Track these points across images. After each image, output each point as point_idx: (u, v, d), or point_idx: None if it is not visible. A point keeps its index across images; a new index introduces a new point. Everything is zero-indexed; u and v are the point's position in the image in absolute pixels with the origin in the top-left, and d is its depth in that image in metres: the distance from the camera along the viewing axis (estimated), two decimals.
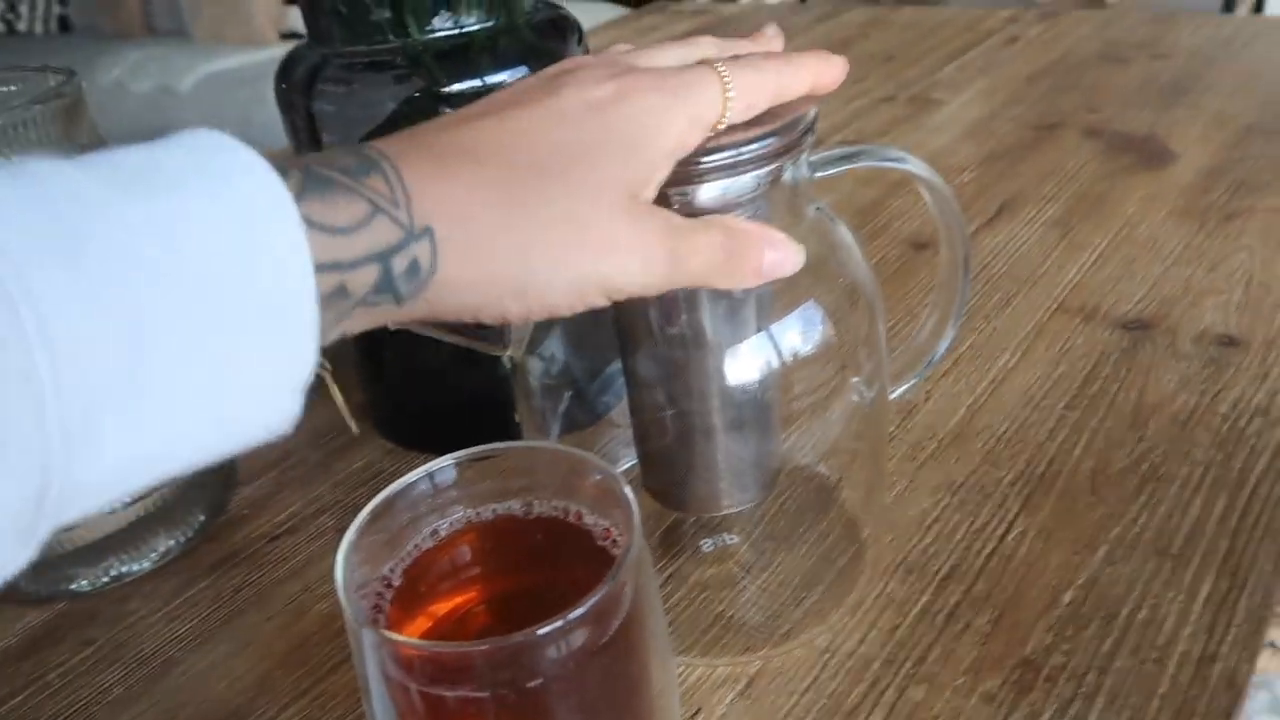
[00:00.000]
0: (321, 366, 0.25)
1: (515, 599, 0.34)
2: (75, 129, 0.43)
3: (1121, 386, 0.51)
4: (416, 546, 0.33)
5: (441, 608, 0.33)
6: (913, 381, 0.42)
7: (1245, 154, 0.74)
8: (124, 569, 0.47)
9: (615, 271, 0.27)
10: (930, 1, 2.23)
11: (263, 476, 0.53)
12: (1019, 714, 0.35)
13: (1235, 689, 0.34)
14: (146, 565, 0.47)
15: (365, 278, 0.24)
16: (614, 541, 0.32)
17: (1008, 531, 0.42)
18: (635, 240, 0.28)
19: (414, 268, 0.24)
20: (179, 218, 0.20)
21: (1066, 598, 0.39)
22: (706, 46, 0.32)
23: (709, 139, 0.30)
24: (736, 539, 0.43)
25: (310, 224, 0.22)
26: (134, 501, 0.46)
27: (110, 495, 0.21)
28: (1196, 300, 0.57)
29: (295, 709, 0.39)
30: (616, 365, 0.39)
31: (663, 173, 0.29)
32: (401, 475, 0.31)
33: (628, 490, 0.30)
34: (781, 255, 0.30)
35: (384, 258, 0.24)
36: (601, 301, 0.28)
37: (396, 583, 0.32)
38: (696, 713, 0.36)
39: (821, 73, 0.31)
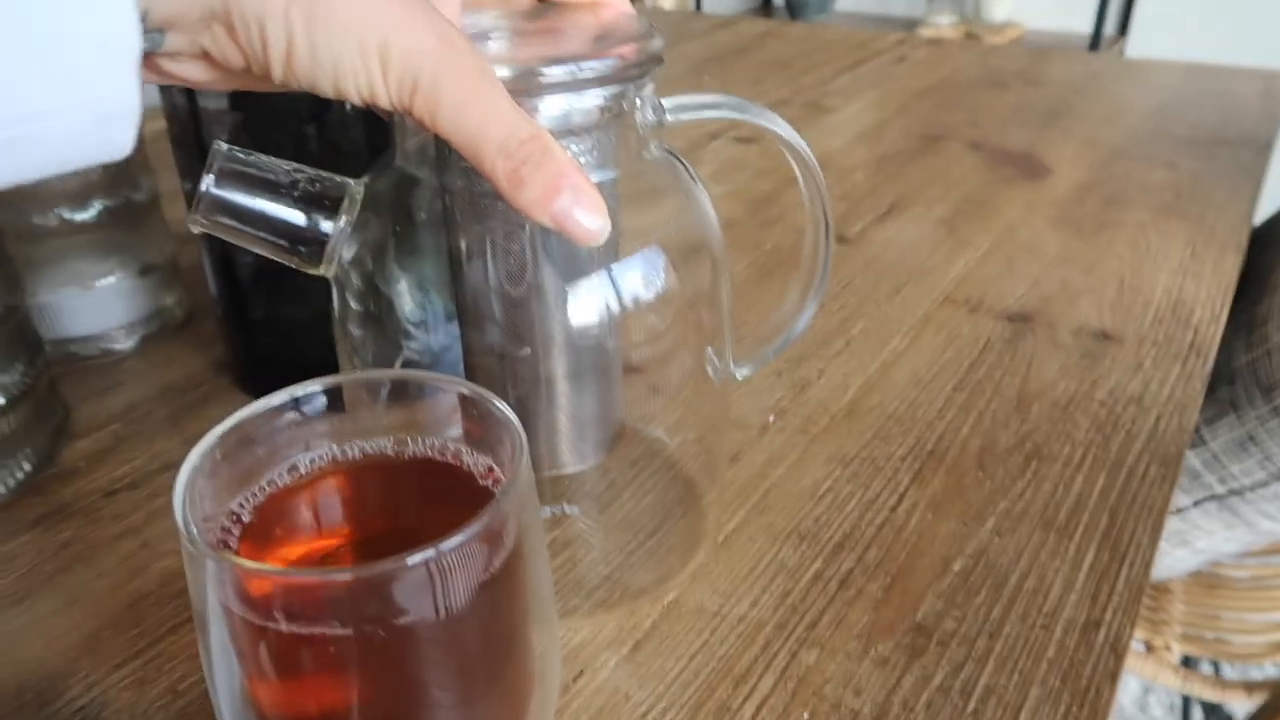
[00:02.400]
0: None
1: (383, 544, 0.31)
2: None
3: (1005, 372, 0.51)
4: (271, 483, 0.30)
5: (297, 550, 0.30)
6: (768, 357, 0.40)
7: (1113, 174, 0.78)
8: None
9: (402, 37, 0.24)
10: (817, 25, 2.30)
11: (102, 429, 0.48)
12: (911, 676, 0.34)
13: (1118, 653, 0.34)
14: None
15: None
16: (497, 481, 0.30)
17: (899, 503, 0.42)
18: (431, 24, 0.25)
19: None
20: None
21: (956, 566, 0.38)
22: None
23: (550, 53, 0.29)
24: (576, 508, 0.41)
25: None
26: None
27: None
28: (1073, 299, 0.59)
29: (125, 671, 0.35)
30: (453, 331, 0.36)
31: None
32: None
33: (513, 418, 0.28)
34: (581, 211, 0.26)
35: None
36: (378, 76, 0.25)
37: (246, 519, 0.29)
38: (579, 674, 0.34)
39: None
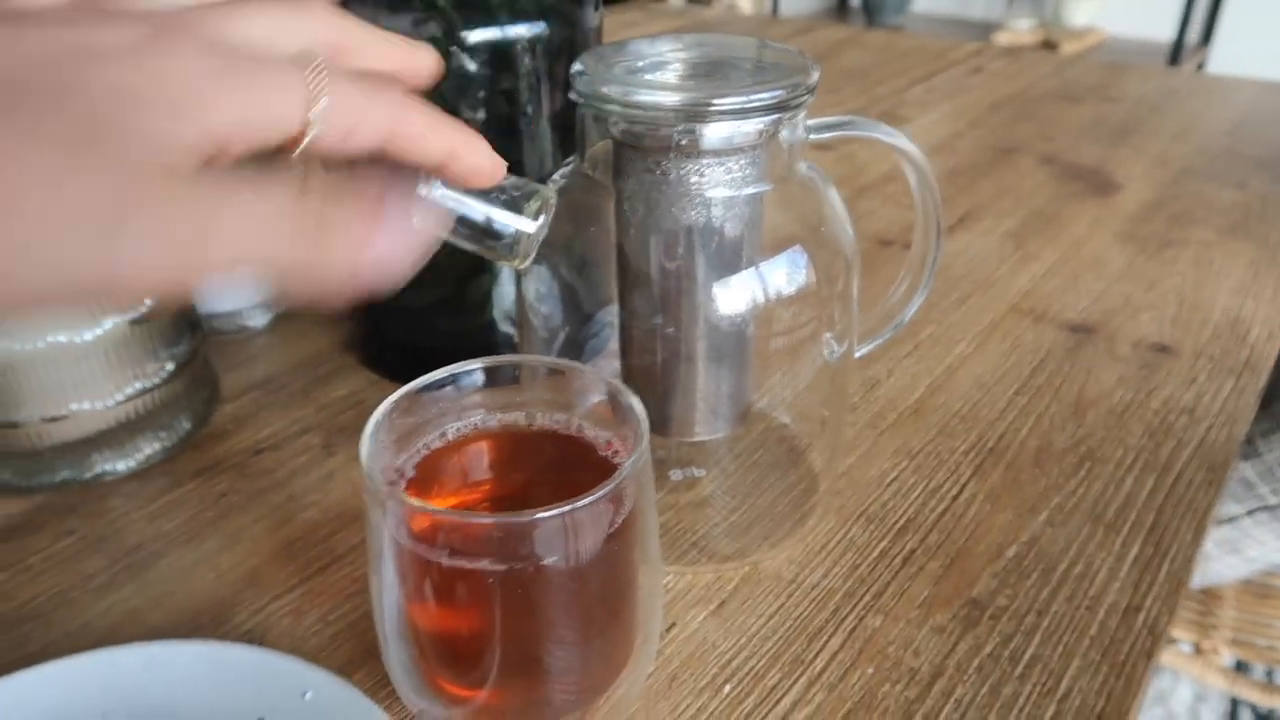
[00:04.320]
0: None
1: (520, 499, 0.37)
2: None
3: (1065, 379, 0.55)
4: (426, 445, 0.35)
5: (448, 502, 0.35)
6: (880, 340, 0.45)
7: (1182, 192, 0.80)
8: (106, 467, 0.47)
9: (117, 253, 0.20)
10: (893, 29, 2.32)
11: (244, 396, 0.54)
12: (965, 644, 0.38)
13: (1155, 635, 0.38)
14: (132, 465, 0.48)
15: None
16: (616, 452, 0.35)
17: (959, 493, 0.46)
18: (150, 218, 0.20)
19: None
20: None
21: (1011, 552, 0.43)
22: (322, 25, 0.24)
23: (721, 86, 0.33)
24: (703, 471, 0.46)
25: None
26: (123, 401, 0.47)
27: None
28: (1134, 313, 0.62)
29: (283, 602, 0.40)
30: (605, 313, 0.42)
31: (172, 165, 0.20)
32: None
33: (635, 402, 0.33)
34: (390, 243, 0.23)
35: None
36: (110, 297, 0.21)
37: (409, 473, 0.34)
38: (672, 626, 0.39)
39: (461, 150, 0.25)
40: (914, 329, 0.60)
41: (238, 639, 0.39)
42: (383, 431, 0.32)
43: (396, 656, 0.33)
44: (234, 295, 0.61)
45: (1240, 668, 0.86)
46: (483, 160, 0.26)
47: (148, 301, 0.47)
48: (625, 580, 0.33)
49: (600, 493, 0.29)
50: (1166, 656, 0.78)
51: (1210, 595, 0.80)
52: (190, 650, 0.35)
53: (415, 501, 0.30)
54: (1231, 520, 0.71)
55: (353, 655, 0.38)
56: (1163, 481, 0.47)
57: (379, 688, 0.36)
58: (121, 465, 0.48)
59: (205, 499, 0.46)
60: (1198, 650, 0.79)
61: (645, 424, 0.32)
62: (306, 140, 0.22)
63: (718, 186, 0.36)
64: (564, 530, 0.29)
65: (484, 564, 0.30)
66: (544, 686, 0.33)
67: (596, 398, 0.35)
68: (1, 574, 0.42)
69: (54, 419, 0.46)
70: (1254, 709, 0.93)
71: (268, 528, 0.45)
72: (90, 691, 0.34)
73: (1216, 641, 0.78)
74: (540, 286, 0.42)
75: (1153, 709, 1.27)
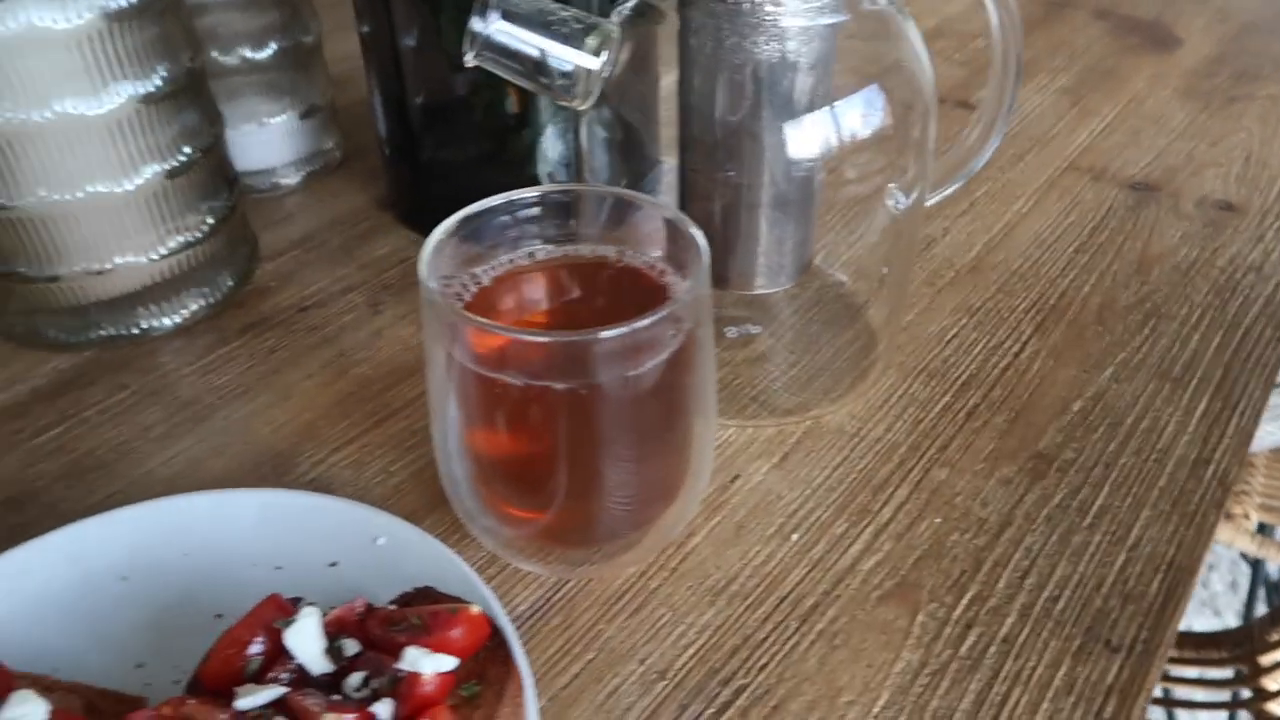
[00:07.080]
0: None
1: (580, 327, 0.36)
2: None
3: (1127, 237, 0.53)
4: (484, 274, 0.34)
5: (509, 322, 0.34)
6: (950, 190, 0.43)
7: (1245, 47, 0.76)
8: (153, 323, 0.47)
9: None
10: None
11: (284, 255, 0.53)
12: (1032, 495, 0.38)
13: (1225, 486, 0.38)
14: (178, 320, 0.47)
15: None
16: (673, 283, 0.33)
17: (1021, 350, 0.45)
18: None
19: None
20: None
21: (1076, 406, 0.42)
22: None
23: None
24: (759, 328, 0.45)
25: None
26: (165, 256, 0.46)
27: None
28: (1198, 170, 0.60)
29: (343, 454, 0.40)
30: (664, 167, 0.40)
31: None
32: None
33: (694, 229, 0.31)
34: None
35: None
36: None
37: (467, 298, 0.33)
38: (736, 478, 0.39)
39: None
40: (969, 188, 0.58)
41: (303, 489, 0.38)
42: (445, 251, 0.31)
43: (462, 480, 0.33)
44: (268, 151, 0.59)
45: (1263, 530, 0.88)
46: None
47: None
48: (680, 408, 0.33)
49: (660, 314, 0.28)
50: None
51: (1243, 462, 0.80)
52: (261, 497, 0.35)
53: (481, 320, 0.29)
54: (1275, 386, 0.70)
55: (417, 505, 0.38)
56: (1230, 338, 0.46)
57: (447, 535, 0.36)
58: (167, 321, 0.47)
59: (255, 354, 0.46)
60: (1228, 516, 0.80)
61: (705, 251, 0.31)
62: None
63: (794, 16, 0.34)
64: (624, 350, 0.29)
65: (546, 383, 0.29)
66: (598, 507, 0.33)
67: (655, 228, 0.34)
68: (59, 426, 0.42)
69: (97, 272, 0.45)
70: (1267, 585, 0.95)
71: (320, 383, 0.44)
72: (167, 535, 0.34)
73: (1247, 507, 0.78)
74: (598, 134, 0.40)
75: None
